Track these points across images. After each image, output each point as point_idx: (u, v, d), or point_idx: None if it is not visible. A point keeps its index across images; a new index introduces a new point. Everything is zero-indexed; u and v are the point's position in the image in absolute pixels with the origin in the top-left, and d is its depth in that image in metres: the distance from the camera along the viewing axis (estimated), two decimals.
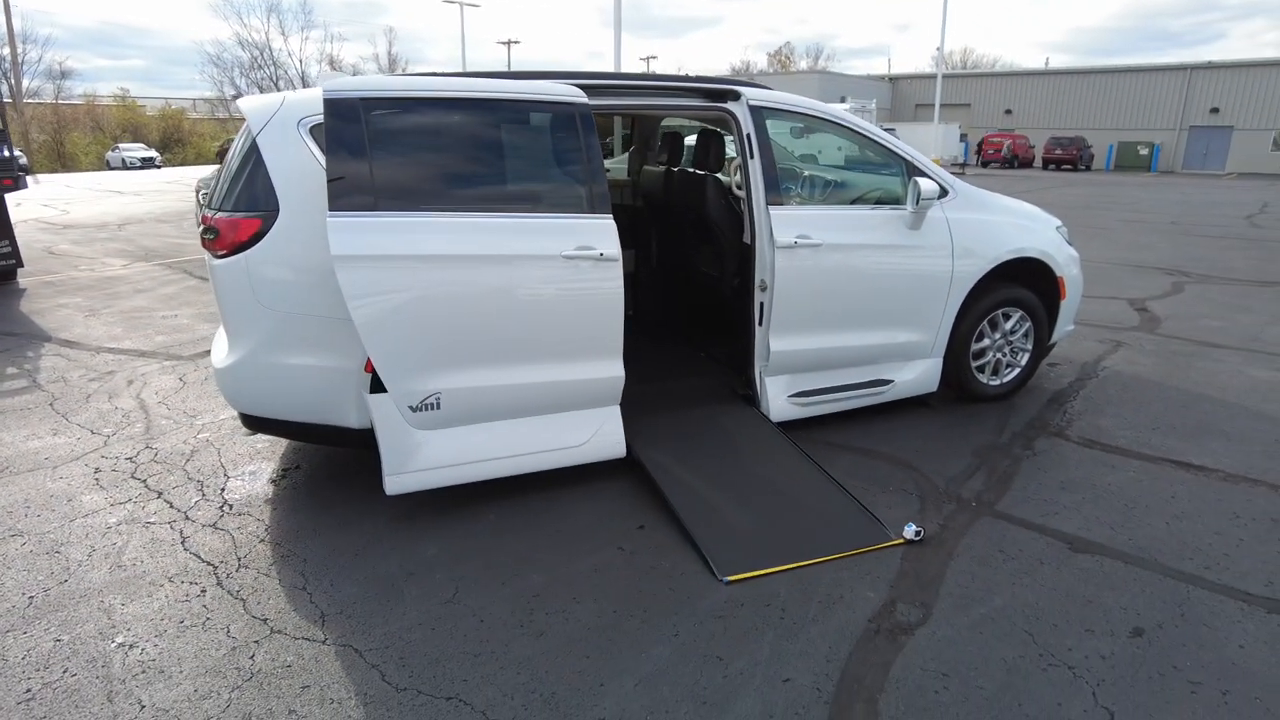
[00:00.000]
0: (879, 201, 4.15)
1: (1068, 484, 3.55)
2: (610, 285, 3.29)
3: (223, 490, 3.59)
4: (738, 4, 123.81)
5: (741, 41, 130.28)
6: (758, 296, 3.87)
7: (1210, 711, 2.17)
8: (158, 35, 79.86)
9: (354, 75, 4.13)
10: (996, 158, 41.46)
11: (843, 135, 4.14)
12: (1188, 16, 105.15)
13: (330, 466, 3.81)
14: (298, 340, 3.23)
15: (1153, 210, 17.36)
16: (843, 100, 29.81)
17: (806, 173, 4.72)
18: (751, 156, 3.77)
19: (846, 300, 3.95)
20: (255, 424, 3.49)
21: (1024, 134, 42.88)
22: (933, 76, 37.80)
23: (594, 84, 3.49)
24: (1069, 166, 39.99)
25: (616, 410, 3.53)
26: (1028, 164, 41.61)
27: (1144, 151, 41.16)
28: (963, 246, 4.12)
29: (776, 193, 3.78)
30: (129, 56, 78.00)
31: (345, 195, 2.90)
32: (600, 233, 3.25)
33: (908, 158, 4.10)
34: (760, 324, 3.90)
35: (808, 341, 3.94)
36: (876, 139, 4.09)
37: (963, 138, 41.45)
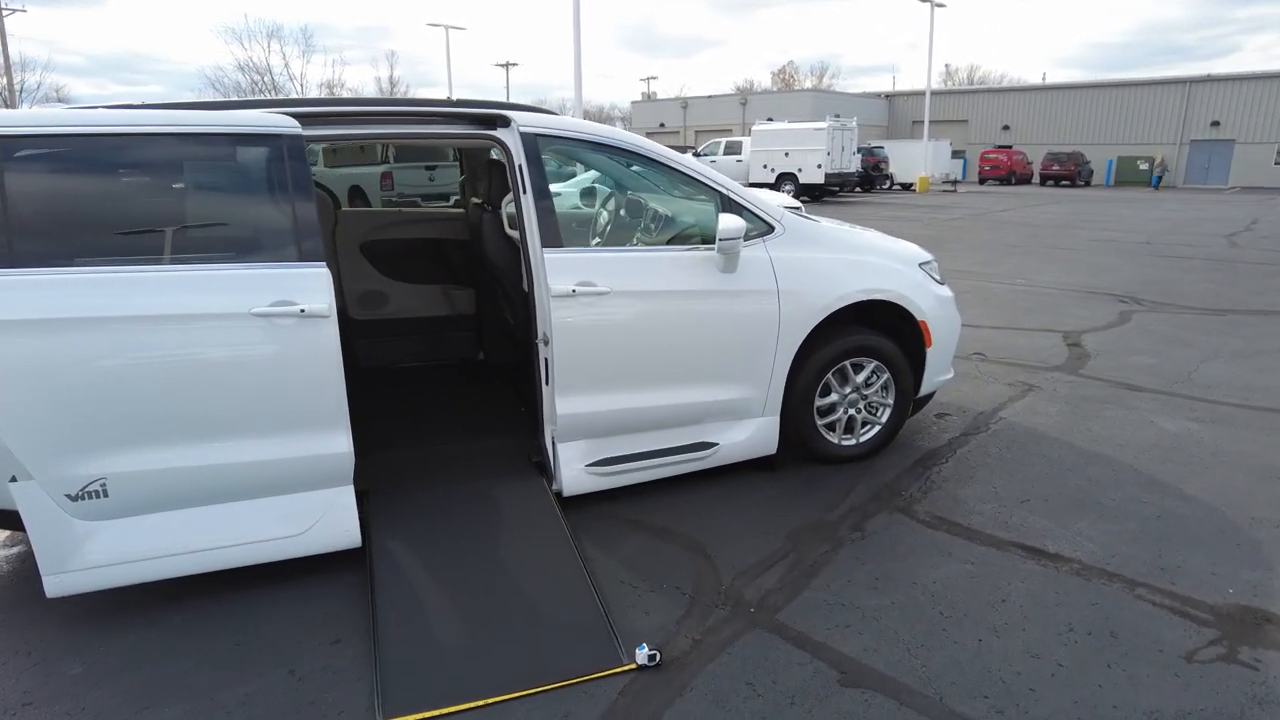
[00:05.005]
0: (703, 240, 3.61)
1: (882, 581, 2.97)
2: (320, 346, 2.77)
3: None
4: (746, 24, 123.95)
5: (750, 61, 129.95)
6: (541, 352, 3.34)
7: None
8: (173, 61, 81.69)
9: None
10: (994, 174, 40.81)
11: (642, 165, 3.61)
12: (1199, 30, 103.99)
13: None
14: None
15: (1129, 229, 16.69)
16: (836, 117, 28.64)
17: (649, 208, 4.17)
18: (525, 191, 3.24)
19: (647, 354, 3.40)
20: None
21: (1022, 150, 42.21)
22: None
23: (314, 112, 2.99)
24: (1067, 182, 39.31)
25: (348, 491, 2.99)
26: (1026, 180, 40.94)
27: (1144, 166, 40.40)
28: (790, 290, 3.57)
29: (555, 233, 3.25)
30: (146, 83, 79.56)
31: None
32: (305, 284, 2.74)
33: (721, 190, 3.55)
34: (546, 383, 3.36)
35: (603, 402, 3.39)
36: (681, 169, 3.53)
37: (956, 154, 40.83)
